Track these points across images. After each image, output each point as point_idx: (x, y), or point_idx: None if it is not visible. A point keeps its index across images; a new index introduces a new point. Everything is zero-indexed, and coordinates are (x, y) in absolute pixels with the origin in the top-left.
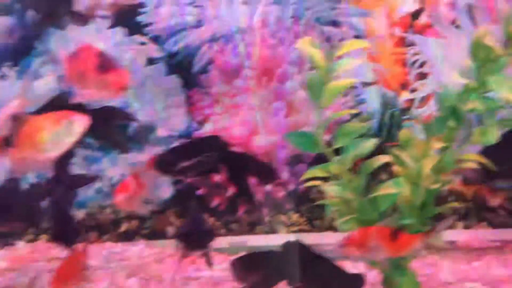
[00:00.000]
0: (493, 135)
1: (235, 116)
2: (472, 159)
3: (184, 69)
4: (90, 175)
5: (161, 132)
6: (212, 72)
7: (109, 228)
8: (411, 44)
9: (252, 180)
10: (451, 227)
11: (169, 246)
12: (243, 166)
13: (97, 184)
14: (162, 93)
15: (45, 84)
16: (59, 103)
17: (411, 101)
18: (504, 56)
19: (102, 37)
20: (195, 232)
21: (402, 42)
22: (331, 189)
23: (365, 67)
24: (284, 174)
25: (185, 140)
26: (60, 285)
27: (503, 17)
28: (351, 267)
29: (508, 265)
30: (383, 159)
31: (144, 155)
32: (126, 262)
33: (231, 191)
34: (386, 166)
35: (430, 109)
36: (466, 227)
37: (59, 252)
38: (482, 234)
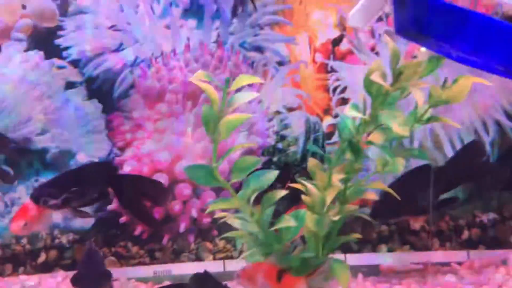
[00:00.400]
0: (399, 165)
1: (159, 141)
2: (376, 187)
3: (105, 93)
4: None
5: (80, 157)
6: (133, 97)
7: (25, 259)
8: (333, 70)
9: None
10: (377, 250)
11: None
12: (136, 189)
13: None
14: (81, 118)
15: None
16: None
17: (334, 126)
18: (393, 92)
19: (17, 60)
20: (90, 275)
21: (324, 68)
22: (235, 222)
23: (289, 92)
24: (210, 200)
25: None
26: None
27: (390, 53)
28: None
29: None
30: (284, 191)
31: None
32: None
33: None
34: None
35: None
36: (390, 250)
37: None
38: (405, 257)
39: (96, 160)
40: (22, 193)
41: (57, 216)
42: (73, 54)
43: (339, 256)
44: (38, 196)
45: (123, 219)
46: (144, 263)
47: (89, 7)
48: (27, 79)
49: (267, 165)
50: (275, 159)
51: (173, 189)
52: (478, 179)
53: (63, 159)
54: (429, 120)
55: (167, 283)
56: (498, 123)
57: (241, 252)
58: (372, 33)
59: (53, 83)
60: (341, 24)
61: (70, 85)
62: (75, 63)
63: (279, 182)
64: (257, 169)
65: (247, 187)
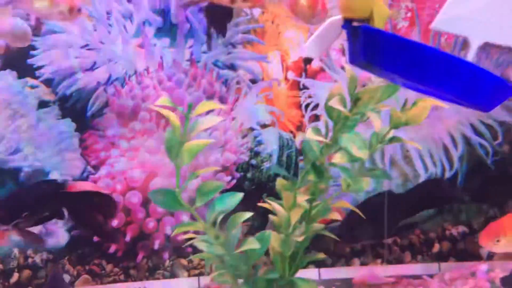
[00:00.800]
0: (363, 185)
1: (133, 159)
2: (342, 206)
3: (78, 112)
4: None
5: (54, 176)
6: (107, 115)
7: None
8: (305, 87)
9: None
10: (350, 264)
11: None
12: (86, 204)
13: None
14: (55, 136)
15: None
16: None
17: None
18: (352, 116)
19: None
20: None
21: (296, 86)
22: (201, 245)
23: (262, 109)
24: (184, 217)
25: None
26: None
27: (348, 79)
28: None
29: None
30: (249, 213)
31: None
32: None
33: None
34: None
35: None
36: (362, 263)
37: None
38: (378, 271)
39: (70, 179)
40: None
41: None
42: (46, 73)
43: (313, 270)
44: None
45: (97, 238)
46: (118, 281)
47: (62, 27)
48: None
49: (241, 182)
50: (249, 175)
51: (147, 207)
52: (439, 206)
53: (36, 178)
54: (391, 140)
55: None
56: (466, 138)
57: (211, 270)
58: (343, 51)
59: (26, 102)
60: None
61: (43, 104)
62: (48, 82)
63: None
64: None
65: (212, 210)
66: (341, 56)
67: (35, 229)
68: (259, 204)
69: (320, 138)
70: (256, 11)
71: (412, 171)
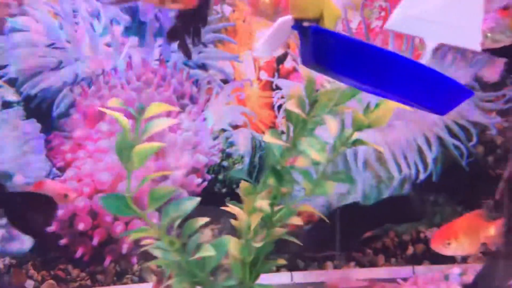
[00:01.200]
0: (328, 188)
1: (100, 161)
2: (306, 209)
3: (44, 112)
4: None
5: (19, 179)
6: (74, 116)
7: None
8: (277, 88)
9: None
10: (323, 267)
11: None
12: (23, 205)
13: None
14: (19, 138)
15: None
16: None
17: None
18: (312, 119)
19: None
20: None
21: (269, 86)
22: (156, 251)
23: (234, 110)
24: (154, 220)
25: None
26: None
27: (305, 81)
28: None
29: None
30: (205, 219)
31: None
32: None
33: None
34: None
35: None
36: (335, 267)
37: None
38: (351, 274)
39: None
40: None
41: None
42: (10, 73)
43: (285, 274)
44: None
45: (63, 241)
46: (85, 286)
47: (27, 25)
48: None
49: (212, 184)
50: (220, 177)
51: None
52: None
53: (0, 181)
54: (354, 143)
55: None
56: (440, 140)
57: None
58: None
59: None
60: (285, 42)
61: (7, 105)
62: (12, 82)
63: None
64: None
65: (166, 216)
66: None
67: None
68: (222, 207)
69: (279, 142)
70: (227, 9)
71: (386, 173)
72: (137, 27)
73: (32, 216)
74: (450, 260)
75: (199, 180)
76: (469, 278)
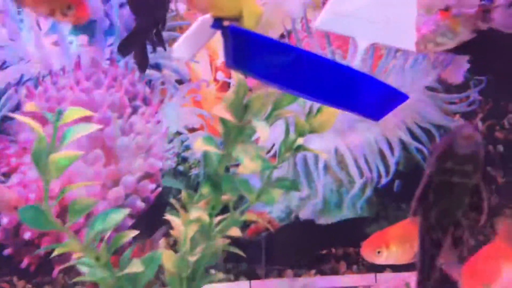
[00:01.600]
0: (274, 196)
1: None
2: (250, 219)
3: None
4: None
5: None
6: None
7: None
8: None
9: None
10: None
11: None
12: None
13: None
14: None
15: None
16: None
17: None
18: (244, 127)
19: None
20: None
21: (226, 87)
22: (82, 267)
23: (190, 112)
24: None
25: None
26: None
27: (236, 85)
28: None
29: None
30: (135, 231)
31: None
32: None
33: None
34: None
35: None
36: (296, 275)
37: None
38: (312, 282)
39: None
40: None
41: None
42: None
43: (244, 283)
44: None
45: (7, 251)
46: None
47: None
48: None
49: (167, 190)
50: None
51: (65, 217)
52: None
53: None
54: (298, 149)
55: None
56: (403, 143)
57: None
58: None
59: None
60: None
61: None
62: None
63: None
64: None
65: (91, 229)
66: None
67: None
68: (164, 217)
69: (211, 148)
70: (182, 8)
71: (347, 177)
72: (86, 25)
73: None
74: (412, 267)
75: (153, 185)
76: None
